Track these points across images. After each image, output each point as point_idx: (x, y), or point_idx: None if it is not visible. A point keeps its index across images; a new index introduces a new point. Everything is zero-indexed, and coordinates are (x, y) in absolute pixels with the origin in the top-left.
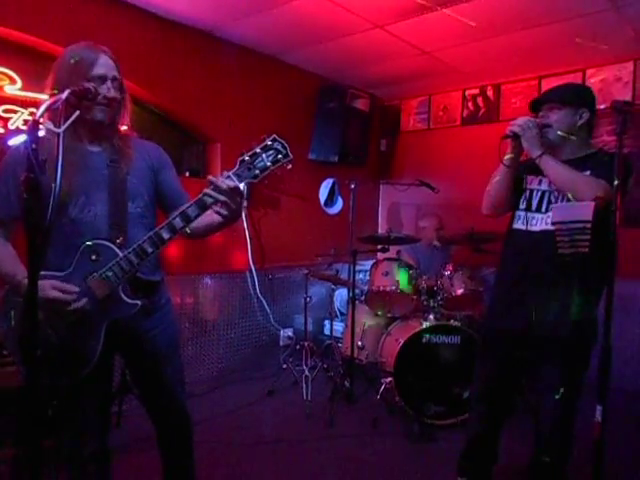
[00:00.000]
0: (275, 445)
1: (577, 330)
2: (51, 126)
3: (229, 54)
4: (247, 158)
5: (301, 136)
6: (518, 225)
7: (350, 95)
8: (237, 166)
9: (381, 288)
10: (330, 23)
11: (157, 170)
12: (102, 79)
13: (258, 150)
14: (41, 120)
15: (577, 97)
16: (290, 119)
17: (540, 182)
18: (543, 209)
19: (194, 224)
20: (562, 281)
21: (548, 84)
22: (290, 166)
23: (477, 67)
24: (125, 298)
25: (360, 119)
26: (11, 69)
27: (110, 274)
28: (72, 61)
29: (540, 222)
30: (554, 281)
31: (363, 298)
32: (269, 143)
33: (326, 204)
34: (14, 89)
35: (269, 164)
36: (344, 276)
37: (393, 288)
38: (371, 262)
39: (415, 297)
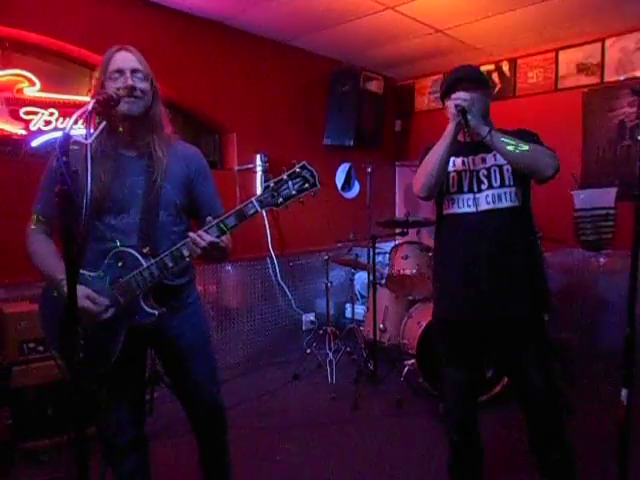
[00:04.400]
0: (302, 428)
1: (535, 303)
2: (80, 138)
3: (241, 42)
4: (272, 184)
5: (316, 121)
6: (464, 209)
7: (363, 78)
8: (261, 191)
9: (401, 272)
10: (341, 7)
11: (194, 179)
12: (119, 72)
13: (285, 177)
14: (71, 132)
15: (486, 79)
16: (304, 105)
17: (463, 163)
18: (475, 189)
19: None
20: (511, 258)
21: (565, 56)
22: (315, 194)
23: (492, 43)
24: (144, 306)
25: (374, 101)
26: (29, 71)
27: (132, 282)
28: (101, 65)
29: (482, 202)
30: (505, 260)
31: (384, 282)
32: (297, 170)
33: (343, 189)
34: (34, 91)
35: (294, 192)
36: (363, 259)
37: (414, 271)
38: (390, 244)
39: None
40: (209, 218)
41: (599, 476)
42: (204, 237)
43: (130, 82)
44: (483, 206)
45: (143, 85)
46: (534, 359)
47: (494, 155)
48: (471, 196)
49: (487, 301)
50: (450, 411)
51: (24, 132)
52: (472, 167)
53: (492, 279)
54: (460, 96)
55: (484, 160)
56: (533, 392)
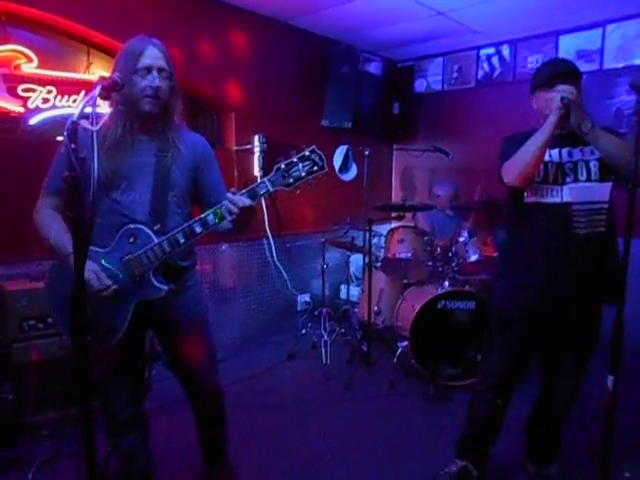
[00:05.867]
0: (296, 407)
1: (606, 294)
2: (87, 124)
3: (239, 21)
4: (283, 166)
5: (314, 103)
6: (549, 199)
7: (362, 59)
8: (272, 172)
9: (397, 255)
10: None
11: (201, 165)
12: (147, 70)
13: (295, 159)
14: (82, 116)
15: (581, 74)
16: (303, 86)
17: (550, 155)
18: (560, 181)
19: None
20: (592, 250)
21: (566, 41)
22: (324, 177)
23: (492, 26)
24: (154, 282)
25: (373, 83)
26: (26, 47)
27: (143, 257)
28: (125, 53)
29: (567, 194)
30: (586, 251)
31: (379, 264)
32: (307, 154)
33: (340, 171)
34: (31, 67)
35: (304, 174)
36: (359, 242)
37: (409, 255)
38: (387, 226)
39: (430, 263)
40: (232, 189)
41: (581, 460)
42: (243, 200)
43: (157, 83)
44: (567, 198)
45: (166, 84)
46: (581, 360)
47: (580, 150)
48: (557, 187)
49: (565, 290)
50: (493, 392)
51: (22, 109)
52: (558, 159)
53: (572, 268)
54: (567, 89)
55: (570, 154)
56: (563, 392)
